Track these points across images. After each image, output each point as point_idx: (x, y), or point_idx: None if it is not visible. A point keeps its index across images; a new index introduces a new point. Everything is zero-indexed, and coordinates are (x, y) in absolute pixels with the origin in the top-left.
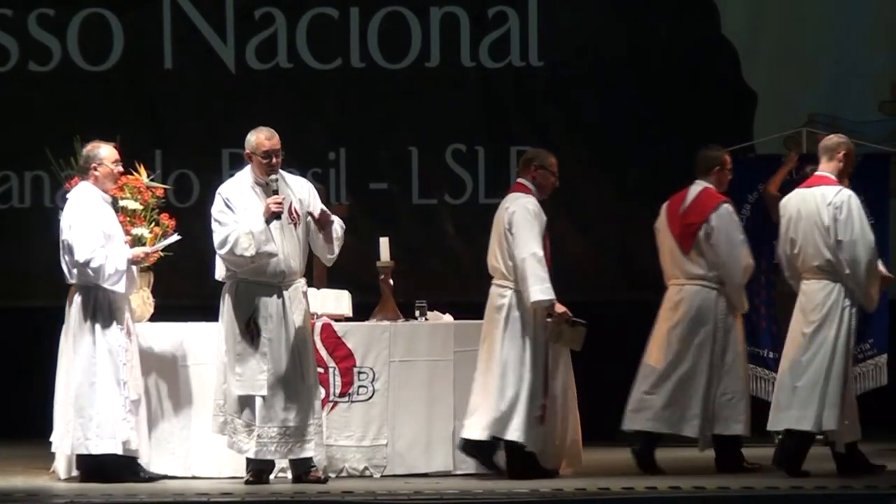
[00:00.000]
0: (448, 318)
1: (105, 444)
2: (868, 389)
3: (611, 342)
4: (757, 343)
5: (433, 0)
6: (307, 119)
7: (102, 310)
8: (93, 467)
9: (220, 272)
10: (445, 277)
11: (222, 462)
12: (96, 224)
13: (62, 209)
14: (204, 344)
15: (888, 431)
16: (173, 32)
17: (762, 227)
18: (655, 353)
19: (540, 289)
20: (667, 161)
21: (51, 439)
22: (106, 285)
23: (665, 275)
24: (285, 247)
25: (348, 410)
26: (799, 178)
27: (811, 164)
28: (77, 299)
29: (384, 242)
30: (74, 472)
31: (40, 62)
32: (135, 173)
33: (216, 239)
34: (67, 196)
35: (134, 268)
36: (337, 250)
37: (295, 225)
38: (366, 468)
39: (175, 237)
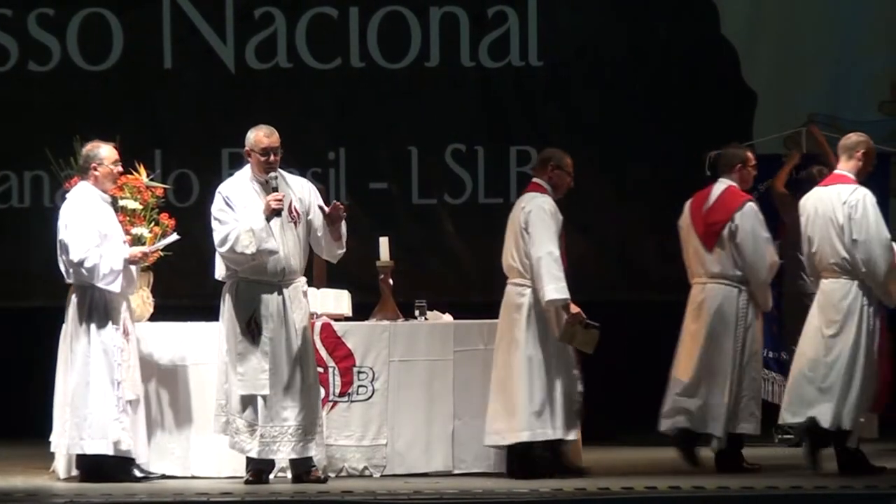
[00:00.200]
0: (448, 317)
1: (97, 445)
2: None
3: (611, 342)
4: None
5: (433, 0)
6: (307, 119)
7: (98, 309)
8: (92, 467)
9: (219, 271)
10: (445, 277)
11: (222, 462)
12: (92, 224)
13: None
14: (204, 344)
15: (888, 431)
16: (173, 32)
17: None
18: (684, 365)
19: (555, 287)
20: (667, 161)
21: (50, 439)
22: (101, 285)
23: (689, 273)
24: (286, 246)
25: (348, 410)
26: (802, 176)
27: (814, 163)
28: (74, 299)
29: (384, 242)
30: (74, 472)
31: (40, 62)
32: (134, 173)
33: (216, 237)
34: (67, 196)
35: (133, 267)
36: (344, 246)
37: (295, 224)
38: (365, 468)
39: (174, 237)
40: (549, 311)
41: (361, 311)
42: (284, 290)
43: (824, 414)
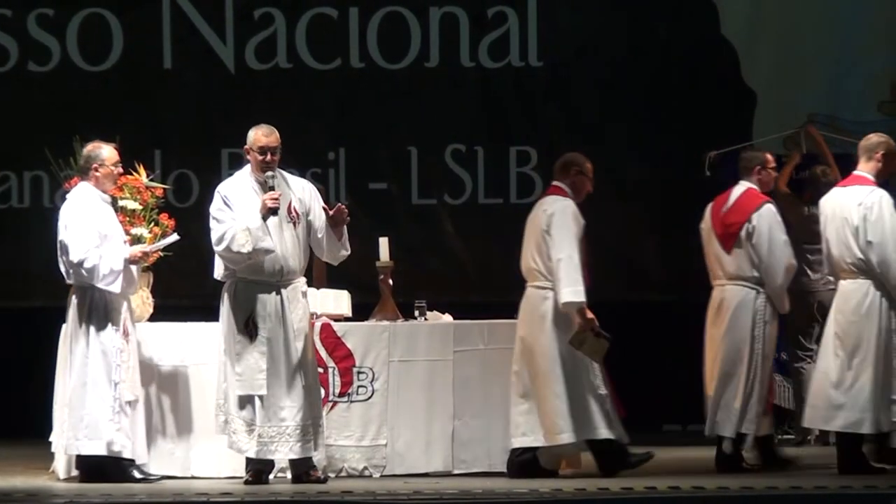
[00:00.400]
0: (447, 317)
1: (92, 445)
2: None
3: (610, 342)
4: None
5: (432, 0)
6: (307, 119)
7: (98, 310)
8: (91, 467)
9: (218, 271)
10: (445, 277)
11: (222, 462)
12: (91, 224)
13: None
14: (203, 344)
15: None
16: (173, 32)
17: None
18: (710, 380)
19: (572, 290)
20: (667, 161)
21: (50, 439)
22: (100, 285)
23: (711, 276)
24: (284, 246)
25: (348, 410)
26: (803, 176)
27: (815, 163)
28: (74, 300)
29: (383, 242)
30: (74, 473)
31: (40, 62)
32: (134, 173)
33: (213, 236)
34: (67, 196)
35: (134, 267)
36: (348, 248)
37: (294, 224)
38: (365, 468)
39: (174, 236)
40: (570, 312)
41: (361, 312)
42: (283, 291)
43: (862, 421)
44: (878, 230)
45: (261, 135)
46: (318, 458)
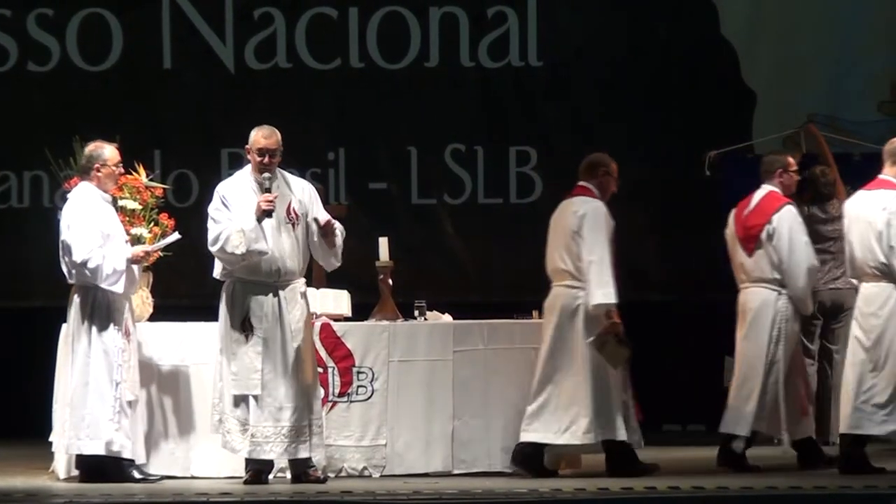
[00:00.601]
0: (447, 317)
1: (92, 445)
2: None
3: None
4: None
5: (432, 0)
6: (306, 119)
7: (100, 310)
8: (91, 467)
9: (218, 271)
10: (445, 277)
11: (221, 462)
12: (94, 224)
13: (61, 209)
14: (203, 344)
15: None
16: (172, 32)
17: None
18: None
19: (602, 293)
20: (667, 161)
21: (50, 439)
22: (104, 285)
23: (736, 280)
24: (282, 247)
25: (347, 410)
26: (804, 176)
27: (816, 163)
28: (76, 299)
29: (383, 242)
30: (74, 472)
31: (39, 62)
32: (134, 173)
33: (209, 236)
34: (67, 196)
35: (135, 267)
36: (340, 259)
37: (293, 226)
38: (365, 468)
39: (175, 236)
40: (599, 314)
41: (361, 311)
42: (281, 292)
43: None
44: None
45: (261, 136)
46: (317, 458)
